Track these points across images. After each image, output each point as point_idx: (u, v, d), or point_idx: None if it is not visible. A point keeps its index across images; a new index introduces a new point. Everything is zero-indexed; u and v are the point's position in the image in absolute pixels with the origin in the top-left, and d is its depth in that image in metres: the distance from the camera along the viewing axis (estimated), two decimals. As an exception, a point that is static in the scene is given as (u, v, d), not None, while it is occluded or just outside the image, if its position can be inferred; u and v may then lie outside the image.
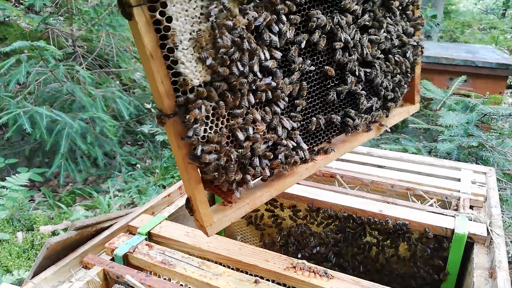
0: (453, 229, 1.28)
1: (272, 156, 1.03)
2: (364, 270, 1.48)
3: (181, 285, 1.12)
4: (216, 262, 1.18)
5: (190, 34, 0.85)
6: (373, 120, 1.26)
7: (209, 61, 0.85)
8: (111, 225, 1.32)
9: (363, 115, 1.22)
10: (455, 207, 1.49)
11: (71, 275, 1.13)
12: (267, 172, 1.03)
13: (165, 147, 4.91)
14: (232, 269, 1.15)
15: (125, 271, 1.10)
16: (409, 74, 1.34)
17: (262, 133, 0.99)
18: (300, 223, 1.56)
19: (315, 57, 1.08)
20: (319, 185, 1.59)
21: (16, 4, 6.62)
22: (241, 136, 0.94)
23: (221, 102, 0.89)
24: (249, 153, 0.97)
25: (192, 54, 0.85)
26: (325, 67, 1.10)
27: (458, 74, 4.06)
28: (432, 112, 4.20)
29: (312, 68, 1.07)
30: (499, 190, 2.85)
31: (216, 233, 1.03)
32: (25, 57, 4.11)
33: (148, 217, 1.35)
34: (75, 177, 4.17)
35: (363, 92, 1.20)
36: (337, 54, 1.10)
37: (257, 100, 0.97)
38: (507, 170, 2.95)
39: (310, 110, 1.13)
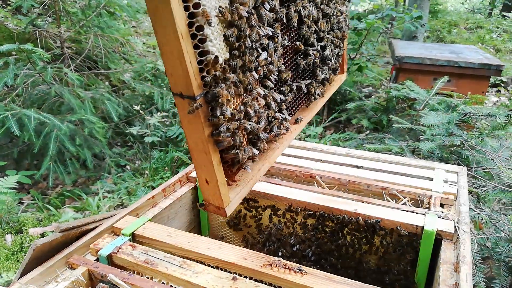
0: (423, 226, 1.35)
1: (269, 130, 1.11)
2: (342, 266, 1.55)
3: (163, 283, 1.17)
4: (197, 261, 1.23)
5: (215, 10, 0.85)
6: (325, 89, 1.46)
7: (233, 38, 0.88)
8: (96, 226, 1.37)
9: (320, 84, 1.40)
10: (427, 206, 1.56)
11: (57, 276, 1.18)
12: (266, 145, 1.11)
13: (154, 148, 4.95)
14: (212, 267, 1.20)
15: (109, 271, 1.16)
16: (342, 46, 1.52)
17: (263, 108, 1.06)
18: (279, 222, 1.62)
19: (288, 33, 1.19)
20: (298, 186, 1.65)
21: (4, 5, 6.60)
22: (251, 112, 1.00)
23: (239, 80, 0.94)
24: (257, 128, 1.04)
25: (217, 32, 0.86)
26: (296, 42, 1.25)
27: (442, 75, 4.14)
28: (415, 112, 4.29)
29: (288, 43, 1.17)
30: (477, 188, 2.95)
31: (200, 234, 1.10)
32: (13, 59, 4.12)
33: (132, 219, 1.41)
34: (64, 179, 4.19)
35: (320, 63, 1.38)
36: (303, 30, 1.21)
37: (258, 76, 1.03)
38: (487, 168, 3.04)
39: (288, 83, 1.23)
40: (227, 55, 0.91)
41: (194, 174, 1.74)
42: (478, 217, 2.53)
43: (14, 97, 4.30)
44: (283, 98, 1.18)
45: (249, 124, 1.01)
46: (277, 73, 1.13)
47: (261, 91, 1.05)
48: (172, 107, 5.15)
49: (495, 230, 2.39)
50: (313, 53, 1.32)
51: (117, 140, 5.44)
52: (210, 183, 0.99)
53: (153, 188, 4.23)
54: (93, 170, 4.71)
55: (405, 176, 1.74)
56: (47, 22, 5.55)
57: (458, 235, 1.32)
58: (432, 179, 1.71)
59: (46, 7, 5.11)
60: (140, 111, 4.89)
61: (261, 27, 0.99)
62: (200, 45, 0.84)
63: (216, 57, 0.86)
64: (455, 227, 1.36)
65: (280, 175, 1.84)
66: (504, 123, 3.65)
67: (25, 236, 2.97)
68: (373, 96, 5.97)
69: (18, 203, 3.68)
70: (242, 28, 0.90)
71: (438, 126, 3.58)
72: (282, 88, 1.22)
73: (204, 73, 0.86)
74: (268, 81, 1.09)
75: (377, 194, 1.67)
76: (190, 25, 0.81)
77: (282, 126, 1.19)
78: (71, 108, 4.55)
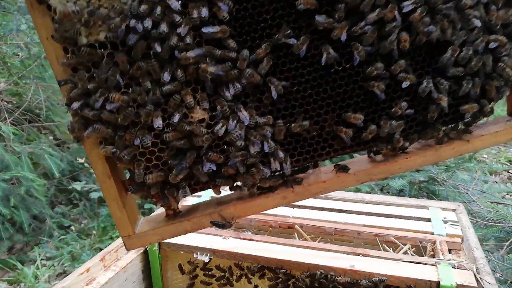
0: (439, 281, 1.08)
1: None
2: None
3: None
4: None
5: None
6: None
7: None
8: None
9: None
10: (432, 252, 1.30)
11: None
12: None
13: (102, 205, 4.48)
14: None
15: None
16: None
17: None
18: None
19: None
20: (276, 240, 1.34)
21: None
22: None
23: None
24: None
25: None
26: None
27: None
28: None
29: None
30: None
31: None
32: None
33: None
34: (-4, 248, 3.64)
35: None
36: None
37: None
38: (462, 203, 2.88)
39: None
40: None
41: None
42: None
43: None
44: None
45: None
46: None
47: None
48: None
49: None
50: None
51: (61, 198, 4.93)
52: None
53: (101, 250, 3.75)
54: (32, 234, 4.19)
55: (398, 219, 1.49)
56: (-18, 75, 5.12)
57: (482, 289, 1.06)
58: (429, 220, 1.46)
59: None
60: (85, 164, 4.46)
61: None
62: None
63: None
64: (475, 278, 1.10)
65: (252, 228, 1.52)
66: (469, 156, 3.59)
67: None
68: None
69: None
70: None
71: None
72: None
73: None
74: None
75: (370, 243, 1.39)
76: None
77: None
78: (5, 165, 4.08)
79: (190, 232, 1.01)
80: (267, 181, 0.97)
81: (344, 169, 1.00)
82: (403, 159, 0.99)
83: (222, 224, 1.00)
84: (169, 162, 0.91)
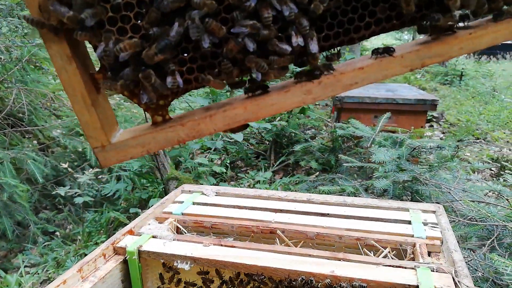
0: (417, 286, 1.08)
1: None
2: None
3: None
4: None
5: None
6: None
7: None
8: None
9: None
10: (411, 256, 1.31)
11: None
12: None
13: (87, 210, 4.42)
14: None
15: None
16: None
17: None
18: (238, 295, 1.28)
19: None
20: (257, 246, 1.33)
21: None
22: None
23: None
24: None
25: None
26: None
27: (382, 112, 4.21)
28: (363, 150, 4.22)
29: None
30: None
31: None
32: None
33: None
34: (-22, 256, 3.56)
35: None
36: None
37: None
38: (447, 202, 2.92)
39: None
40: None
41: (122, 243, 1.36)
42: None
43: None
44: None
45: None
46: None
47: None
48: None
49: (469, 270, 2.19)
50: None
51: (45, 204, 4.86)
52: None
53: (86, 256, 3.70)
54: (16, 240, 4.12)
55: (379, 222, 1.49)
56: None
57: (460, 292, 1.07)
58: (409, 222, 1.47)
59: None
60: (69, 169, 4.39)
61: None
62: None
63: None
64: (454, 281, 1.11)
65: (234, 233, 1.51)
66: (451, 155, 3.63)
67: None
68: (317, 137, 5.92)
69: None
70: None
71: (389, 162, 3.49)
72: None
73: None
74: None
75: (352, 247, 1.39)
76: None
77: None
78: (-14, 171, 4.00)
79: (183, 142, 0.76)
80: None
81: (388, 51, 0.74)
82: (465, 35, 0.72)
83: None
84: (150, 32, 0.67)
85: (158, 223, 1.50)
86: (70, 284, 1.16)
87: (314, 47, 0.69)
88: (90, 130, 0.74)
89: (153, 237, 1.39)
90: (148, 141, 0.75)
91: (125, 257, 1.31)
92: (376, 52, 0.75)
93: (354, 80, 0.72)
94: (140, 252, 1.31)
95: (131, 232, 1.43)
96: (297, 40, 0.67)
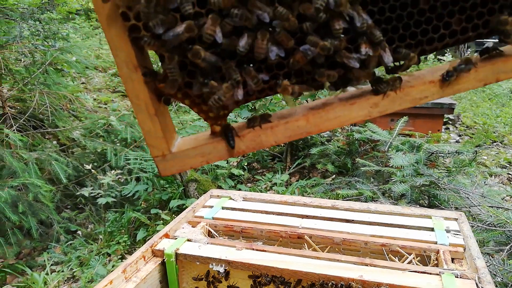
0: (443, 291, 1.15)
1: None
2: None
3: None
4: None
5: None
6: None
7: None
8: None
9: None
10: (435, 262, 1.37)
11: None
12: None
13: (108, 210, 4.54)
14: None
15: None
16: None
17: None
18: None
19: None
20: (287, 250, 1.41)
21: None
22: None
23: None
24: None
25: None
26: None
27: (399, 116, 4.20)
28: (380, 154, 4.25)
29: None
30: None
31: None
32: None
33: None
34: (5, 253, 3.69)
35: None
36: None
37: None
38: (465, 207, 2.95)
39: None
40: None
41: (160, 246, 1.45)
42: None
43: None
44: None
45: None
46: None
47: None
48: (127, 164, 4.80)
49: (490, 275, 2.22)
50: None
51: (67, 203, 4.98)
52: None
53: (109, 255, 3.81)
54: (40, 239, 4.24)
55: (403, 228, 1.55)
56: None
57: (484, 298, 1.12)
58: (432, 229, 1.53)
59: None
60: (92, 170, 4.51)
61: None
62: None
63: None
64: (477, 287, 1.16)
65: (263, 238, 1.58)
66: (470, 160, 3.65)
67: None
68: (332, 140, 5.96)
69: None
70: None
71: (407, 166, 3.52)
72: None
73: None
74: None
75: (377, 252, 1.45)
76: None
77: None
78: (13, 171, 4.14)
79: (243, 153, 0.75)
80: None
81: (468, 64, 0.68)
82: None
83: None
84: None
85: (192, 227, 1.59)
86: (116, 284, 1.25)
87: (388, 58, 0.66)
88: (152, 139, 0.73)
89: (188, 240, 1.48)
90: (209, 151, 0.73)
91: (163, 259, 1.40)
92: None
93: (424, 94, 0.70)
94: (177, 255, 1.39)
95: (167, 236, 1.52)
96: (367, 50, 0.64)
